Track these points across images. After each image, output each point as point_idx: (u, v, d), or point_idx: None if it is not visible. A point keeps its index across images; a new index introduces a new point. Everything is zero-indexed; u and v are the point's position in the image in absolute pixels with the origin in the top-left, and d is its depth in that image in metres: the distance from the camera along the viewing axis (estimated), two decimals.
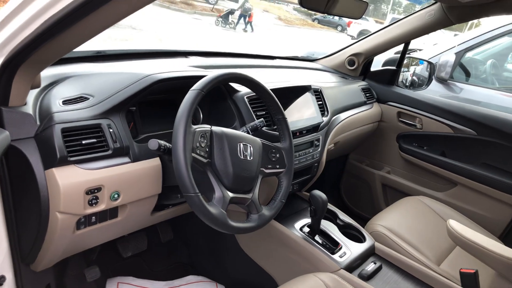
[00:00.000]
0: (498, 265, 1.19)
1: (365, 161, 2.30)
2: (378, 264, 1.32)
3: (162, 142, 0.91)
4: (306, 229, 1.38)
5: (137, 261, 1.67)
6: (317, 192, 1.30)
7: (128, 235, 1.15)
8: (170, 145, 0.91)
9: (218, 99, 1.27)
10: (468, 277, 1.32)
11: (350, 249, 1.34)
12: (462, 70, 3.23)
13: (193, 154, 0.89)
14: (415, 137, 2.08)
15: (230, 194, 0.97)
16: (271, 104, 1.15)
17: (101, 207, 0.93)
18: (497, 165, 1.85)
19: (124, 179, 0.95)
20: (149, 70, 1.09)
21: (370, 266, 1.30)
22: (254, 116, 1.24)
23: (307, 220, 1.43)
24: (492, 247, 1.21)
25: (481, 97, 2.89)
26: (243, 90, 1.27)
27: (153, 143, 0.89)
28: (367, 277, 1.26)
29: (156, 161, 1.02)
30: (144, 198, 1.03)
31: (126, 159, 0.96)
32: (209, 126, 0.98)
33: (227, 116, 1.26)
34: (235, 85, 1.27)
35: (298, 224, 1.40)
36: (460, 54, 2.98)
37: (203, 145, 0.93)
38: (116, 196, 0.94)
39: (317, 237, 1.35)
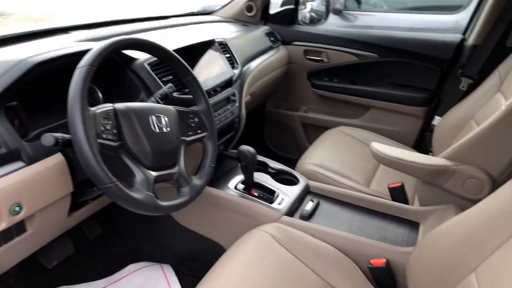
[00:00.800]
0: (421, 173, 1.28)
1: (283, 106, 2.31)
2: (315, 201, 1.36)
3: (58, 134, 0.78)
4: (241, 186, 1.35)
5: (67, 268, 1.53)
6: (245, 147, 1.26)
7: (48, 243, 1.02)
8: (69, 136, 0.78)
9: (115, 72, 1.13)
10: (396, 190, 1.42)
11: (287, 194, 1.35)
12: None
13: (100, 140, 0.78)
14: (324, 71, 2.12)
15: (154, 174, 0.88)
16: (176, 66, 1.05)
17: (1, 226, 0.79)
18: (402, 82, 1.96)
19: (22, 186, 0.81)
20: (22, 54, 0.92)
21: (308, 205, 1.33)
22: (161, 83, 1.13)
23: (240, 177, 1.40)
24: (413, 159, 1.30)
25: (374, 21, 3.03)
26: (141, 56, 1.14)
27: (48, 139, 0.76)
28: (308, 216, 1.29)
29: (57, 158, 0.88)
30: (54, 202, 0.90)
31: (19, 164, 0.82)
32: (111, 105, 0.87)
33: (131, 90, 1.14)
34: (132, 53, 1.14)
35: (231, 183, 1.37)
36: None
37: (108, 127, 0.82)
38: (17, 209, 0.80)
39: (253, 191, 1.33)
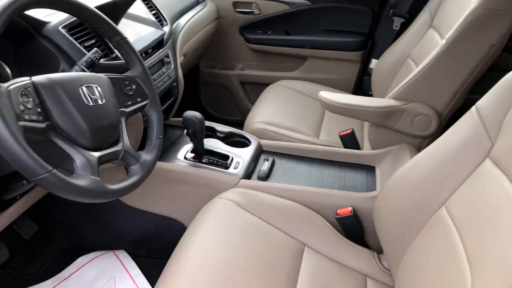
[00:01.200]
0: (372, 116, 1.27)
1: (217, 65, 2.18)
2: (270, 159, 1.30)
3: None
4: (191, 155, 1.25)
5: (5, 274, 1.34)
6: (190, 113, 1.15)
7: None
8: None
9: (23, 41, 0.93)
10: (347, 137, 1.41)
11: (241, 157, 1.28)
12: None
13: (22, 123, 0.63)
14: (256, 24, 2.02)
15: (96, 154, 0.75)
16: (101, 26, 0.89)
17: None
18: (335, 28, 1.93)
19: None
20: None
21: (264, 165, 1.27)
22: (83, 49, 0.96)
23: (188, 146, 1.29)
24: (363, 103, 1.28)
25: None
26: (53, 19, 0.95)
27: None
28: (266, 176, 1.23)
29: None
30: None
31: None
32: (28, 78, 0.70)
33: (46, 61, 0.95)
34: (40, 16, 0.94)
35: (180, 154, 1.26)
36: None
37: (30, 106, 0.67)
38: None
39: (205, 159, 1.24)
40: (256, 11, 1.98)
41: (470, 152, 0.81)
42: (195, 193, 1.20)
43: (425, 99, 1.25)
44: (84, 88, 0.77)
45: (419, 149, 1.31)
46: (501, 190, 0.72)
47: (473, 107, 0.84)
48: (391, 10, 1.75)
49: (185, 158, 1.24)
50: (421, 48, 1.51)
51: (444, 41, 1.19)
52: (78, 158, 0.72)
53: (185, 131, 1.23)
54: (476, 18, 1.11)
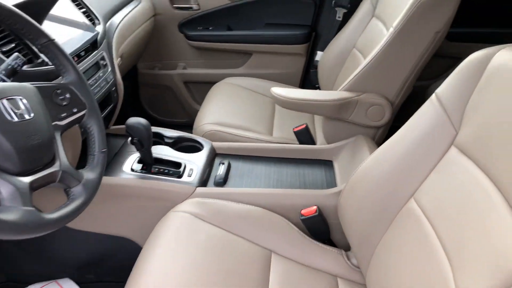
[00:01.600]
0: (326, 110, 1.24)
1: (157, 66, 2.05)
2: (226, 162, 1.23)
3: None
4: (138, 166, 1.14)
5: None
6: (134, 120, 1.04)
7: None
8: None
9: None
10: (302, 133, 1.38)
11: (194, 163, 1.19)
12: None
13: None
14: (196, 20, 1.92)
15: (27, 179, 0.63)
16: (22, 26, 0.75)
17: None
18: (278, 21, 1.89)
19: None
20: None
21: (220, 169, 1.20)
22: (1, 55, 0.82)
23: (134, 156, 1.18)
24: (317, 97, 1.25)
25: None
26: None
27: None
28: (224, 181, 1.16)
29: None
30: None
31: None
32: None
33: None
34: None
35: (126, 166, 1.14)
36: None
37: None
38: None
39: (154, 169, 1.13)
40: (195, 6, 1.88)
41: (434, 141, 0.80)
42: (148, 208, 1.09)
43: (377, 88, 1.24)
44: (4, 102, 0.64)
45: (373, 139, 1.31)
46: (471, 178, 0.70)
47: (433, 95, 0.83)
48: (333, 1, 1.73)
49: (132, 170, 1.12)
50: (366, 38, 1.50)
51: (391, 29, 1.18)
52: (4, 186, 0.59)
53: (129, 139, 1.12)
54: (421, 5, 1.12)
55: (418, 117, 0.85)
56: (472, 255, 0.63)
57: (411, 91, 1.28)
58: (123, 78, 1.77)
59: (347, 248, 1.04)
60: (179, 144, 1.30)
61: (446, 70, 1.78)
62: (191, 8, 1.89)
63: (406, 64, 1.19)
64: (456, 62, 1.78)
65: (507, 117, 0.66)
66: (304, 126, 1.37)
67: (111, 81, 1.23)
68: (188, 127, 1.55)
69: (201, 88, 2.02)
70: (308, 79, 1.92)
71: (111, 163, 1.16)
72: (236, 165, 1.25)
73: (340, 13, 1.73)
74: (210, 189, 1.11)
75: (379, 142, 1.33)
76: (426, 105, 0.84)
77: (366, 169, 0.93)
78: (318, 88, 1.81)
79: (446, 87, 0.80)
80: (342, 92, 1.25)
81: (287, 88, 1.29)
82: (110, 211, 1.11)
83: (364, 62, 1.25)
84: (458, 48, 1.70)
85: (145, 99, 2.10)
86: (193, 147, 1.29)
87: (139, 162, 1.15)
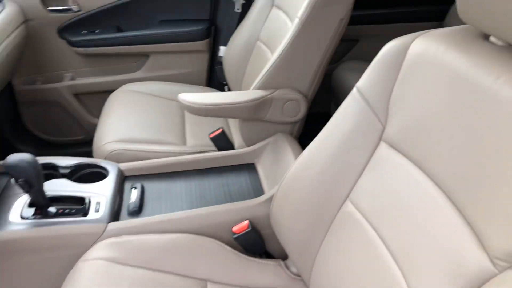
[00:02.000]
0: (242, 112, 1.16)
1: (38, 79, 1.76)
2: (138, 186, 1.08)
3: None
4: (30, 211, 0.93)
5: None
6: (15, 158, 0.84)
7: None
8: None
9: None
10: (219, 138, 1.28)
11: (100, 193, 1.02)
12: None
13: None
14: (79, 23, 1.68)
15: None
16: None
17: None
18: (173, 17, 1.74)
19: None
20: None
21: (132, 195, 1.05)
22: None
23: (23, 199, 0.97)
24: (231, 100, 1.16)
25: None
26: None
27: None
28: (139, 209, 1.02)
29: None
30: None
31: None
32: None
33: None
34: None
35: (13, 214, 0.93)
36: None
37: None
38: None
39: (52, 210, 0.94)
40: (74, 8, 1.64)
41: (362, 137, 0.76)
42: (51, 261, 0.90)
43: (290, 83, 1.19)
44: None
45: (292, 134, 1.26)
46: (405, 174, 0.67)
47: (354, 89, 0.78)
48: None
49: (23, 217, 0.92)
50: (270, 29, 1.44)
51: (296, 20, 1.13)
52: None
53: (12, 179, 0.91)
54: None
55: (342, 113, 0.80)
56: (423, 260, 0.60)
57: (321, 81, 1.25)
58: None
59: (284, 256, 0.98)
60: (78, 173, 1.11)
61: (346, 53, 1.82)
62: (70, 10, 1.64)
63: (315, 55, 1.16)
64: (354, 44, 1.83)
65: (432, 108, 0.63)
66: (220, 130, 1.27)
67: None
68: (88, 144, 1.35)
69: (96, 98, 1.78)
70: (214, 77, 1.81)
71: None
72: (151, 186, 1.11)
73: (238, 4, 1.64)
74: (125, 222, 0.96)
75: (297, 136, 1.29)
76: (349, 100, 0.79)
77: (296, 174, 0.87)
78: (226, 85, 1.71)
79: (366, 80, 0.76)
80: (256, 91, 1.18)
81: (195, 93, 1.17)
82: (2, 275, 0.90)
83: (273, 57, 1.19)
84: (354, 30, 1.74)
85: (29, 120, 1.80)
86: (96, 173, 1.11)
87: (30, 205, 0.94)
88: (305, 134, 1.31)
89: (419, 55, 0.67)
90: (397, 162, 0.69)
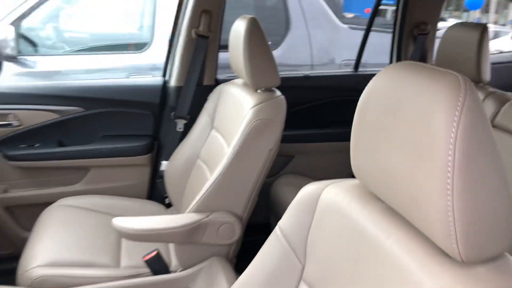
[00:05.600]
0: (176, 237, 1.18)
1: None
2: None
3: None
4: None
5: None
6: None
7: None
8: None
9: None
10: (154, 261, 1.27)
11: None
12: (28, 41, 2.89)
13: None
14: (18, 137, 1.68)
15: None
16: None
17: None
18: (117, 132, 1.80)
19: None
20: None
21: None
22: None
23: None
24: (165, 225, 1.18)
25: (59, 65, 2.75)
26: None
27: None
28: None
29: None
30: None
31: None
32: None
33: None
34: None
35: None
36: (17, 24, 2.60)
37: None
38: None
39: None
40: (14, 123, 1.66)
41: (283, 277, 0.80)
42: None
43: (224, 206, 1.25)
44: None
45: (228, 256, 1.28)
46: None
47: (277, 228, 0.85)
48: (172, 113, 1.75)
49: None
50: (209, 149, 1.54)
51: (230, 149, 1.23)
52: None
53: None
54: (253, 128, 1.20)
55: (266, 252, 0.85)
56: None
57: (256, 201, 1.32)
58: None
59: None
60: None
61: (283, 167, 1.95)
62: (10, 125, 1.66)
63: (248, 180, 1.24)
64: (290, 159, 1.97)
65: (340, 254, 0.70)
66: (155, 252, 1.26)
67: None
68: (16, 258, 1.28)
69: (30, 212, 1.71)
70: (156, 190, 1.83)
71: None
72: None
73: (180, 124, 1.75)
74: None
75: (234, 256, 1.31)
76: (272, 239, 0.85)
77: None
78: (167, 197, 1.74)
79: (287, 220, 0.83)
80: (191, 214, 1.22)
81: (130, 218, 1.19)
82: None
83: (209, 181, 1.26)
84: (290, 147, 1.89)
85: None
86: None
87: None
88: (244, 246, 1.34)
89: (328, 204, 0.76)
90: None
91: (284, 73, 1.58)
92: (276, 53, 2.88)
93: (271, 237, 0.85)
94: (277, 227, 0.85)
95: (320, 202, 0.78)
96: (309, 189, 0.81)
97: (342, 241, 0.71)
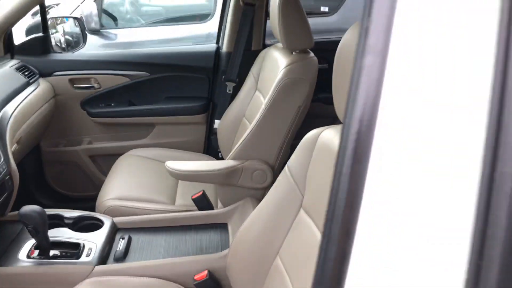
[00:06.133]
0: (216, 178, 1.40)
1: (62, 142, 2.08)
2: (126, 237, 1.30)
3: None
4: (35, 253, 1.17)
5: None
6: (28, 209, 1.09)
7: None
8: None
9: None
10: (199, 200, 1.50)
11: (93, 241, 1.25)
12: (109, 16, 3.26)
13: None
14: (98, 98, 2.01)
15: None
16: None
17: None
18: (177, 94, 2.06)
19: None
20: None
21: (120, 244, 1.26)
22: None
23: (32, 241, 1.21)
24: (206, 168, 1.39)
25: (135, 37, 3.06)
26: None
27: None
28: (123, 256, 1.23)
29: None
30: None
31: None
32: None
33: None
34: None
35: (22, 253, 1.17)
36: (99, 1, 2.96)
37: None
38: None
39: (52, 253, 1.17)
40: (95, 86, 1.99)
41: (288, 205, 0.97)
42: None
43: (258, 155, 1.43)
44: None
45: (261, 199, 1.47)
46: (312, 235, 0.87)
47: (286, 166, 1.01)
48: (223, 76, 1.95)
49: (29, 256, 1.15)
50: (252, 109, 1.72)
51: (263, 105, 1.40)
52: None
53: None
54: (283, 86, 1.35)
55: (276, 186, 1.02)
56: None
57: (288, 153, 1.48)
58: (25, 157, 1.79)
59: None
60: (79, 224, 1.35)
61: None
62: (92, 87, 1.99)
63: (278, 133, 1.41)
64: (333, 121, 2.08)
65: (328, 188, 0.85)
66: (201, 192, 1.50)
67: (4, 171, 1.26)
68: (95, 198, 1.60)
69: (108, 160, 2.07)
70: (211, 145, 2.08)
71: (7, 251, 1.18)
72: (137, 238, 1.33)
73: (230, 86, 1.95)
74: (109, 266, 1.17)
75: None
76: (281, 175, 1.02)
77: (244, 232, 1.07)
78: (220, 152, 1.97)
79: (293, 159, 0.99)
80: (229, 161, 1.42)
81: (180, 162, 1.42)
82: None
83: (245, 133, 1.44)
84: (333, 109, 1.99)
85: (52, 176, 2.09)
86: (94, 225, 1.35)
87: (35, 248, 1.18)
88: None
89: (323, 143, 0.90)
90: (308, 225, 0.90)
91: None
92: (332, 18, 2.91)
93: (281, 174, 1.02)
94: (286, 166, 1.02)
95: (317, 143, 0.92)
96: (310, 133, 0.96)
97: (330, 175, 0.85)
